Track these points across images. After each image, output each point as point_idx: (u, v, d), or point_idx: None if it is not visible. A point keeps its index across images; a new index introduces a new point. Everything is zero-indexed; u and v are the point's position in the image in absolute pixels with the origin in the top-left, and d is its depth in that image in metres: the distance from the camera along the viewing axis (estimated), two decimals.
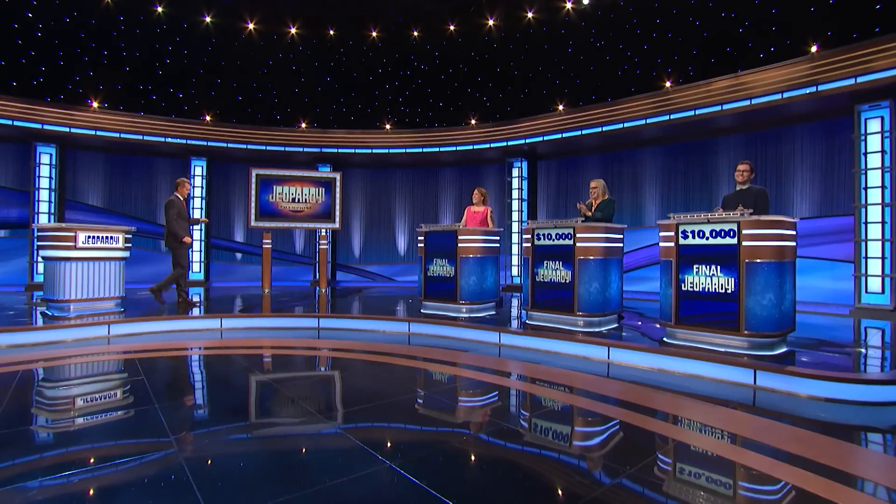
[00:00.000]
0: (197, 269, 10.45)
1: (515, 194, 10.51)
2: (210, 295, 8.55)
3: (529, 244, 5.78)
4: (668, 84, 8.46)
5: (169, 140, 9.75)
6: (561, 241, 5.47)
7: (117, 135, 9.37)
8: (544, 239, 5.65)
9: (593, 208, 5.91)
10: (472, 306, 6.34)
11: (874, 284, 6.79)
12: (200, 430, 2.76)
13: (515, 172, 10.55)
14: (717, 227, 4.29)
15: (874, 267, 6.79)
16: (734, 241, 4.18)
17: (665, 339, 4.63)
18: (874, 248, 6.79)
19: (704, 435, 2.71)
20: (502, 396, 3.55)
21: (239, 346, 5.01)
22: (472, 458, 2.43)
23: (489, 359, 4.64)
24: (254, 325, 5.90)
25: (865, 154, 6.82)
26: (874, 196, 6.76)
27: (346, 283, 11.63)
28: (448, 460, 2.37)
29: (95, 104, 9.76)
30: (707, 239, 4.35)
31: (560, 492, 2.09)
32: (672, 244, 4.57)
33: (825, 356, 4.19)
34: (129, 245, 6.53)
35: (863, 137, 6.84)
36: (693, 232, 4.44)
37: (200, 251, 10.53)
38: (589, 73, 10.62)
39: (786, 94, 7.10)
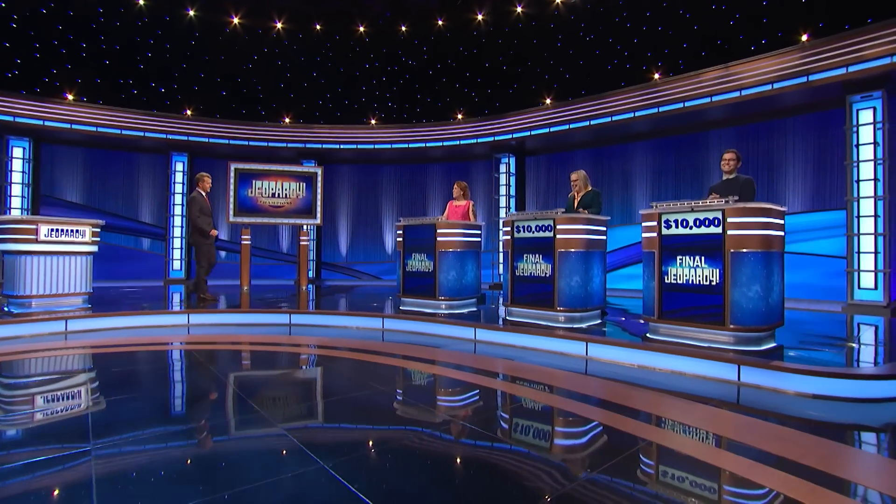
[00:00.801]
0: (178, 267, 10.18)
1: (503, 190, 10.28)
2: (184, 291, 8.28)
3: (509, 237, 5.54)
4: (657, 76, 8.25)
5: (148, 135, 9.49)
6: (541, 234, 5.23)
7: (94, 129, 9.10)
8: (524, 231, 5.41)
9: (576, 201, 5.68)
10: (452, 302, 6.11)
11: (867, 280, 6.57)
12: (127, 431, 2.50)
13: (503, 168, 10.32)
14: (702, 216, 4.05)
15: (867, 262, 6.57)
16: (719, 230, 3.95)
17: (648, 334, 4.39)
18: (867, 243, 6.58)
19: (682, 435, 2.46)
20: (467, 394, 3.30)
21: (202, 342, 4.76)
22: (419, 459, 2.18)
23: (462, 355, 4.40)
24: (222, 322, 5.65)
25: (857, 146, 6.61)
26: (866, 189, 6.54)
27: (332, 282, 11.37)
28: (391, 461, 2.12)
29: (71, 97, 9.48)
30: (691, 228, 4.12)
31: (507, 499, 1.85)
32: (655, 234, 4.34)
33: (814, 352, 3.97)
34: (98, 239, 6.25)
35: (855, 129, 6.63)
36: (676, 221, 4.21)
37: (182, 248, 10.26)
38: (578, 68, 10.41)
39: (776, 85, 6.89)
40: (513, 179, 10.30)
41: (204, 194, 6.75)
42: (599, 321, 5.28)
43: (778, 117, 7.93)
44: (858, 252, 6.63)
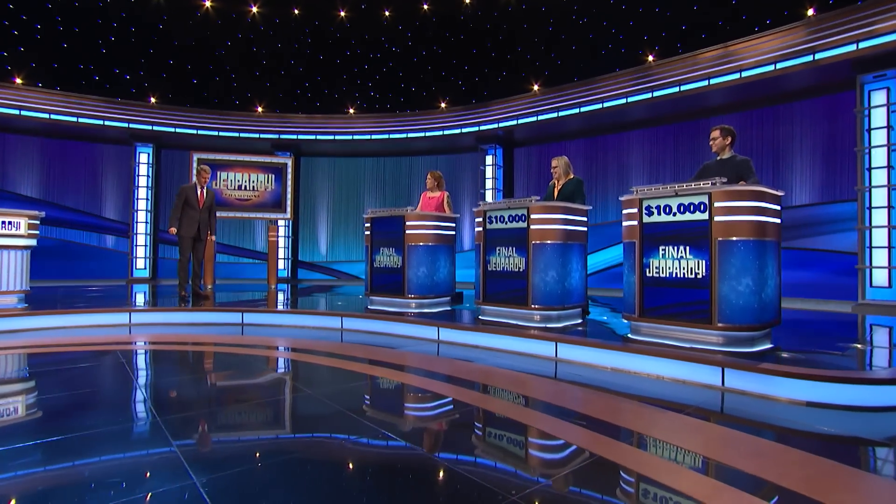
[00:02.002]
0: (142, 266, 9.88)
1: (489, 184, 9.97)
2: (148, 290, 7.98)
3: (481, 228, 5.23)
4: (650, 59, 7.92)
5: (108, 123, 9.20)
6: (514, 224, 4.91)
7: (46, 115, 8.80)
8: (496, 222, 5.09)
9: (556, 190, 5.36)
10: (423, 301, 5.80)
11: (880, 277, 6.23)
12: None
13: (489, 160, 10.01)
14: (686, 201, 3.73)
15: (879, 257, 6.23)
16: (705, 216, 3.62)
17: (629, 334, 4.07)
18: (879, 237, 6.24)
19: (638, 449, 2.13)
20: (403, 400, 2.97)
21: (135, 343, 4.45)
22: (314, 474, 1.86)
23: (416, 356, 4.08)
24: (170, 321, 5.34)
25: (869, 130, 6.28)
26: (879, 177, 6.21)
27: (310, 282, 11.07)
28: (280, 475, 1.81)
29: (20, 81, 9.16)
30: (674, 215, 3.80)
31: None
32: (635, 222, 4.01)
33: (815, 354, 3.63)
34: (36, 233, 5.94)
35: (866, 112, 6.29)
36: (659, 207, 3.88)
37: (147, 245, 9.97)
38: (571, 54, 10.10)
39: (780, 65, 6.57)
40: (500, 172, 9.99)
41: (200, 188, 6.45)
42: (580, 321, 4.94)
43: (783, 101, 7.61)
44: (870, 247, 6.29)
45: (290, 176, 8.57)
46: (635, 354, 3.33)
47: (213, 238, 6.73)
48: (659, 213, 3.88)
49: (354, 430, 2.38)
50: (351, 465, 2.02)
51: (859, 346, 4.11)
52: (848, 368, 3.16)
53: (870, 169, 6.27)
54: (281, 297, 7.43)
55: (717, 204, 3.57)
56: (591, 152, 9.69)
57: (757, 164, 7.96)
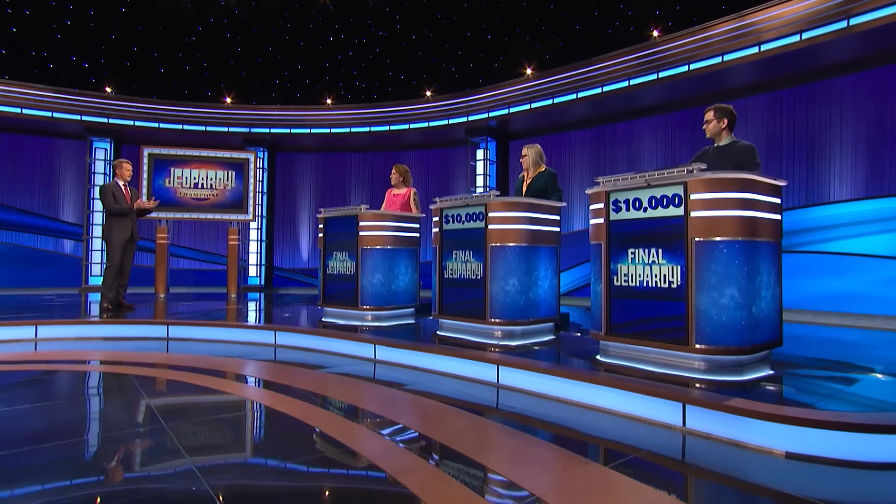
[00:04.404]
0: (98, 273, 9.73)
1: (480, 181, 9.56)
2: (81, 300, 7.79)
3: (437, 229, 4.84)
4: (655, 34, 7.42)
5: (57, 115, 9.08)
6: (472, 224, 4.51)
7: None
8: (453, 222, 4.70)
9: (525, 184, 4.95)
10: (379, 312, 5.45)
11: None
12: None
13: (480, 155, 9.61)
14: (658, 193, 3.28)
15: None
16: (680, 210, 3.17)
17: (598, 355, 3.62)
18: None
19: None
20: (246, 432, 2.59)
21: (27, 361, 4.19)
22: None
23: (319, 378, 3.68)
24: (85, 335, 5.08)
25: None
26: None
27: (285, 290, 10.80)
28: None
29: None
30: (645, 210, 3.35)
31: None
32: (601, 220, 3.58)
33: (820, 384, 3.13)
34: None
35: None
36: (628, 202, 3.45)
37: (103, 250, 9.81)
38: (574, 34, 9.67)
39: (806, 35, 6.03)
40: (492, 168, 9.57)
41: (122, 184, 6.27)
42: (550, 337, 4.51)
43: (818, 79, 7.03)
44: None
45: (252, 173, 8.30)
46: (582, 383, 2.89)
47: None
48: (628, 209, 3.44)
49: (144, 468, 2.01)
50: None
51: (881, 376, 3.57)
52: (859, 404, 2.67)
53: None
54: (232, 308, 7.14)
55: (693, 196, 3.11)
56: (598, 142, 9.22)
57: (788, 152, 7.39)
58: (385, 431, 2.62)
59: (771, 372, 3.23)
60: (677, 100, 8.03)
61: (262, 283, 10.81)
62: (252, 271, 10.72)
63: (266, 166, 10.79)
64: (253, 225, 10.39)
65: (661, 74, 7.09)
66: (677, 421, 2.49)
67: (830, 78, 6.99)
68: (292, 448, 2.44)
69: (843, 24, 5.78)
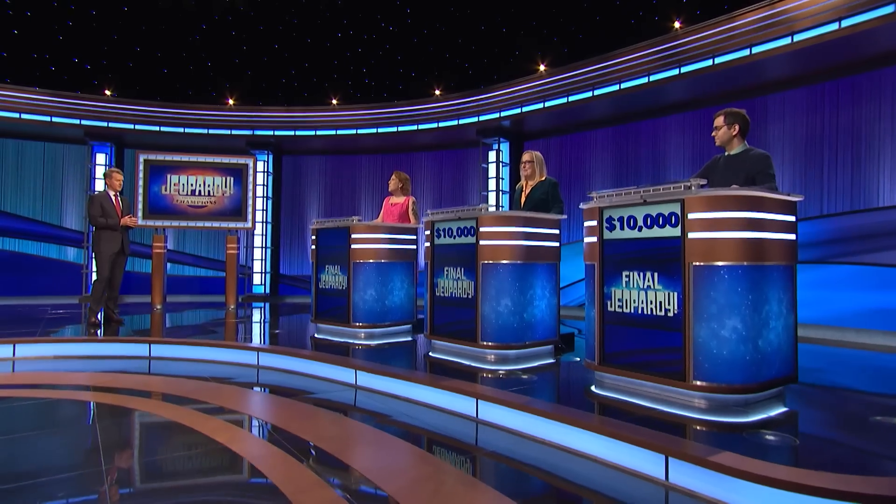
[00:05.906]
0: None
1: (492, 185, 9.41)
2: (76, 312, 7.94)
3: (429, 244, 4.76)
4: (677, 26, 7.17)
5: (56, 119, 9.29)
6: (463, 239, 4.42)
7: None
8: (445, 237, 4.61)
9: (524, 194, 4.82)
10: (372, 330, 5.41)
11: None
12: None
13: (492, 157, 9.47)
14: (654, 211, 3.12)
15: None
16: (677, 231, 3.01)
17: (593, 387, 3.49)
18: None
19: None
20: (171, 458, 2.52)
21: None
22: None
23: (281, 407, 3.62)
24: (62, 353, 5.14)
25: None
26: None
27: (292, 300, 10.85)
28: None
29: None
30: (640, 230, 3.20)
31: None
32: (595, 239, 3.44)
33: (844, 431, 2.94)
34: None
35: None
36: (622, 220, 3.30)
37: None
38: (592, 25, 9.45)
39: (845, 23, 5.72)
40: (506, 171, 9.42)
41: (112, 195, 6.36)
42: (549, 361, 4.37)
43: (865, 69, 6.67)
44: None
45: (251, 179, 8.35)
46: (561, 424, 2.75)
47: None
48: (622, 227, 3.29)
49: None
50: None
51: None
52: (862, 463, 2.48)
53: None
54: (228, 322, 7.18)
55: (691, 216, 2.95)
56: (620, 142, 8.98)
57: (830, 152, 7.03)
58: (334, 480, 2.54)
59: (784, 409, 3.04)
60: (706, 95, 7.75)
61: (267, 291, 10.89)
62: (257, 279, 10.81)
63: (271, 170, 10.86)
64: (257, 231, 10.47)
65: (684, 69, 6.85)
66: (660, 474, 2.34)
67: (879, 69, 6.62)
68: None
69: (891, 8, 5.45)
